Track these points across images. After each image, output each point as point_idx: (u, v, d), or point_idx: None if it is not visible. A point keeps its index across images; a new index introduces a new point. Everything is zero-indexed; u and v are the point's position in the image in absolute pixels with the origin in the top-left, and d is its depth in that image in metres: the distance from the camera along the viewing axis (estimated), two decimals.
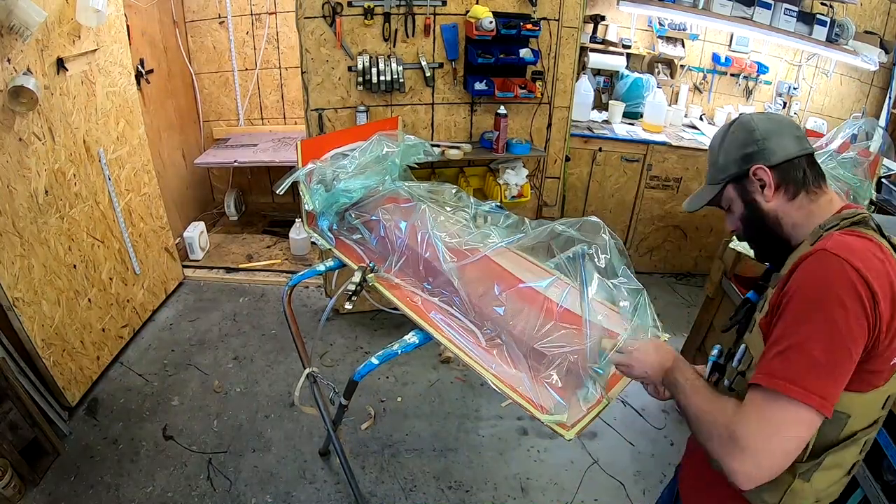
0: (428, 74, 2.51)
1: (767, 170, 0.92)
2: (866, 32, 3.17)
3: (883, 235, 0.87)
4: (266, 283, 3.27)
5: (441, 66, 2.56)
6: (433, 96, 2.61)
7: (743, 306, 1.05)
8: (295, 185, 1.74)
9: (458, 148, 2.62)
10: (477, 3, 2.43)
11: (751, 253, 1.65)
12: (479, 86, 2.54)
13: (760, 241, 1.00)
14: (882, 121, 3.13)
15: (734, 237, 1.04)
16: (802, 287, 0.80)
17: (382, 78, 2.40)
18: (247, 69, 3.72)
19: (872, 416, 0.88)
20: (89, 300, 2.37)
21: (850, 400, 0.83)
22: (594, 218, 1.34)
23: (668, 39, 3.41)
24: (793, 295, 0.80)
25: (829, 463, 0.87)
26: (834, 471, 0.89)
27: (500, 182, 2.70)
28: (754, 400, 0.79)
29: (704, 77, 3.54)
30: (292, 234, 3.48)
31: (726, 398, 0.86)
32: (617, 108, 3.29)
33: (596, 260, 1.31)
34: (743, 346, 0.93)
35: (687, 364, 0.97)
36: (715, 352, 1.04)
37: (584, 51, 3.24)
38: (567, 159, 3.00)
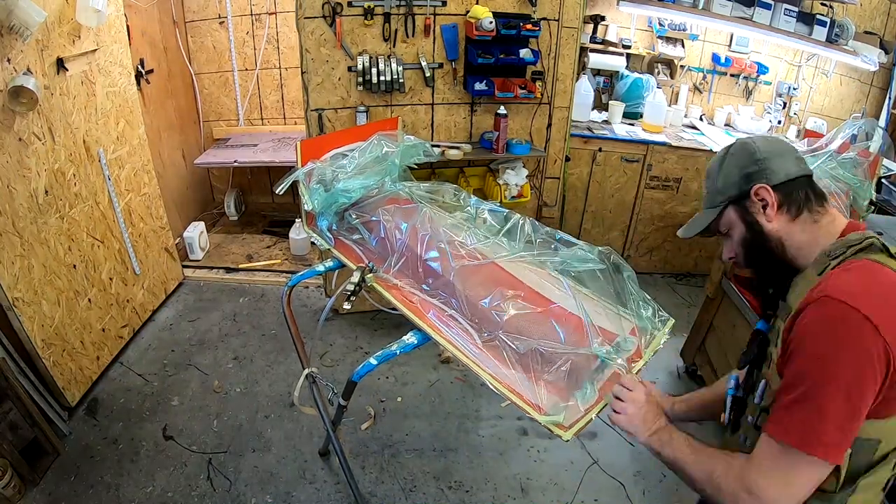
0: (428, 74, 2.51)
1: (770, 189, 0.91)
2: (866, 33, 3.16)
3: (892, 256, 0.84)
4: (266, 283, 3.27)
5: (441, 66, 2.56)
6: (433, 96, 2.61)
7: (755, 339, 1.00)
8: (295, 185, 1.74)
9: (458, 148, 2.62)
10: (477, 3, 2.43)
11: None
12: (479, 86, 2.54)
13: (762, 265, 0.98)
14: (882, 121, 3.13)
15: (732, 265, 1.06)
16: (809, 337, 0.80)
17: (382, 78, 2.40)
18: (247, 69, 3.72)
19: None
20: (89, 300, 2.37)
21: (877, 427, 0.82)
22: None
23: (668, 40, 3.41)
24: (799, 343, 0.81)
25: (864, 486, 0.86)
26: (869, 492, 0.88)
27: (500, 182, 2.70)
28: (768, 452, 0.82)
29: (704, 77, 3.54)
30: (292, 234, 3.48)
31: (727, 453, 0.89)
32: (617, 108, 3.29)
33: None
34: (763, 381, 0.92)
35: (677, 430, 0.99)
36: (732, 383, 1.02)
37: (584, 51, 3.24)
38: (567, 159, 3.00)
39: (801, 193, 0.92)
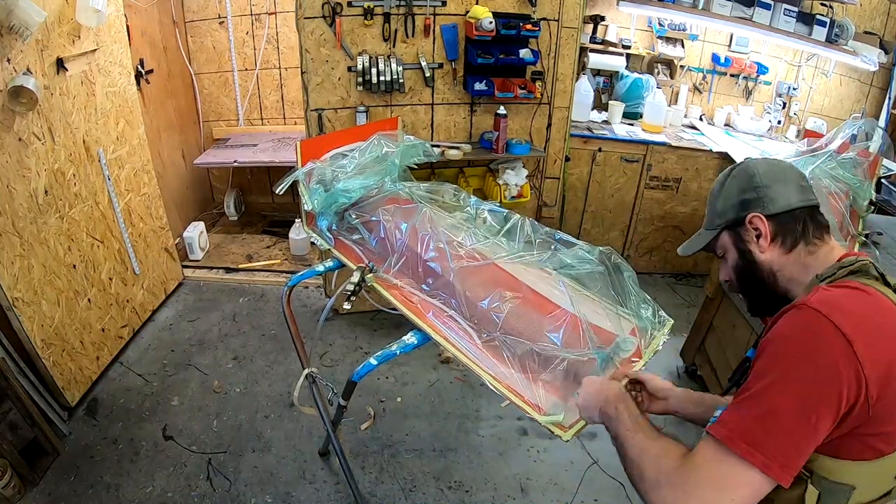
0: (428, 75, 2.51)
1: (764, 219, 0.88)
2: (866, 33, 3.17)
3: (887, 284, 0.80)
4: (266, 284, 3.27)
5: (441, 66, 2.56)
6: (433, 96, 2.61)
7: (742, 366, 0.97)
8: (294, 185, 1.74)
9: (457, 148, 2.62)
10: (477, 3, 2.43)
11: None
12: (478, 86, 2.54)
13: (753, 293, 0.96)
14: (882, 121, 3.13)
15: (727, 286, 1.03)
16: (776, 339, 0.75)
17: (382, 78, 2.40)
18: (247, 69, 3.72)
19: (884, 487, 0.79)
20: (89, 300, 2.37)
21: (852, 470, 0.76)
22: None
23: (668, 40, 3.41)
24: (767, 345, 0.76)
25: None
26: None
27: (500, 182, 2.70)
28: (705, 449, 0.75)
29: (704, 77, 3.54)
30: (292, 234, 3.48)
31: (672, 441, 0.82)
32: (617, 108, 3.29)
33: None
34: None
35: (633, 403, 0.95)
36: (718, 413, 0.91)
37: (583, 51, 3.24)
38: (567, 159, 3.00)
39: (798, 225, 0.88)
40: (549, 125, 2.81)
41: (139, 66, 2.99)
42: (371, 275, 1.57)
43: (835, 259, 0.86)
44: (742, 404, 0.75)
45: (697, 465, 0.74)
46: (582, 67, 3.26)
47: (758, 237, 0.90)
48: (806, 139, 3.20)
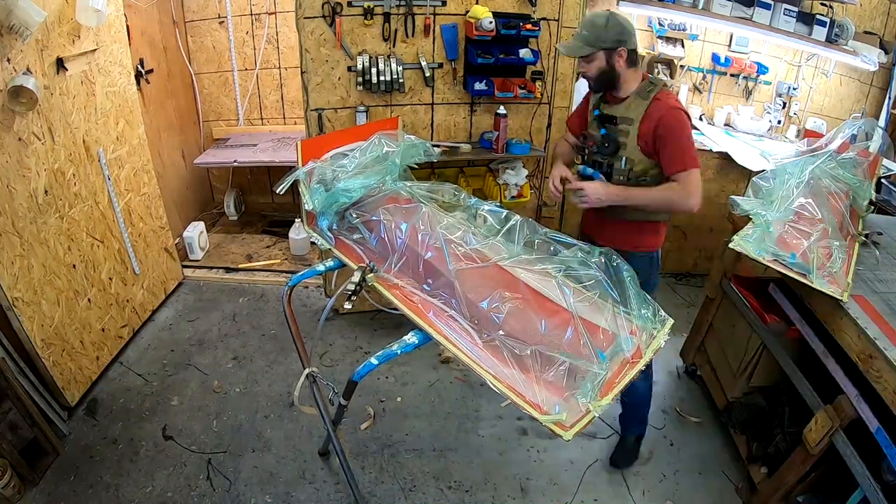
0: (428, 74, 2.51)
1: (626, 51, 1.66)
2: (866, 33, 3.17)
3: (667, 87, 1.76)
4: (266, 283, 3.27)
5: (441, 66, 2.56)
6: (433, 96, 2.61)
7: (606, 140, 1.76)
8: (295, 185, 1.74)
9: (457, 148, 2.62)
10: (477, 3, 2.43)
11: (751, 253, 1.69)
12: (478, 86, 2.54)
13: (601, 84, 1.75)
14: (881, 121, 3.13)
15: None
16: (673, 126, 1.64)
17: (382, 78, 2.40)
18: (246, 69, 3.72)
19: None
20: (89, 300, 2.37)
21: None
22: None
23: (668, 40, 3.41)
24: (669, 132, 1.63)
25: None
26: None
27: (500, 182, 2.70)
28: (685, 177, 1.64)
29: (704, 77, 3.54)
30: (292, 234, 3.48)
31: (667, 185, 1.68)
32: None
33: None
34: (624, 158, 1.71)
35: (622, 187, 1.72)
36: (588, 171, 1.81)
37: None
38: None
39: (636, 57, 1.70)
40: (549, 125, 2.81)
41: (139, 66, 2.99)
42: (372, 274, 1.57)
43: (640, 78, 1.73)
44: (682, 154, 1.64)
45: (687, 183, 1.64)
46: None
47: (620, 58, 1.67)
48: (806, 139, 3.21)
